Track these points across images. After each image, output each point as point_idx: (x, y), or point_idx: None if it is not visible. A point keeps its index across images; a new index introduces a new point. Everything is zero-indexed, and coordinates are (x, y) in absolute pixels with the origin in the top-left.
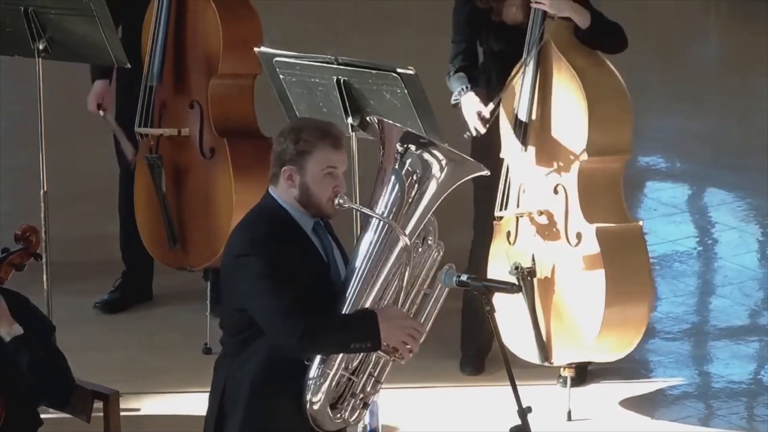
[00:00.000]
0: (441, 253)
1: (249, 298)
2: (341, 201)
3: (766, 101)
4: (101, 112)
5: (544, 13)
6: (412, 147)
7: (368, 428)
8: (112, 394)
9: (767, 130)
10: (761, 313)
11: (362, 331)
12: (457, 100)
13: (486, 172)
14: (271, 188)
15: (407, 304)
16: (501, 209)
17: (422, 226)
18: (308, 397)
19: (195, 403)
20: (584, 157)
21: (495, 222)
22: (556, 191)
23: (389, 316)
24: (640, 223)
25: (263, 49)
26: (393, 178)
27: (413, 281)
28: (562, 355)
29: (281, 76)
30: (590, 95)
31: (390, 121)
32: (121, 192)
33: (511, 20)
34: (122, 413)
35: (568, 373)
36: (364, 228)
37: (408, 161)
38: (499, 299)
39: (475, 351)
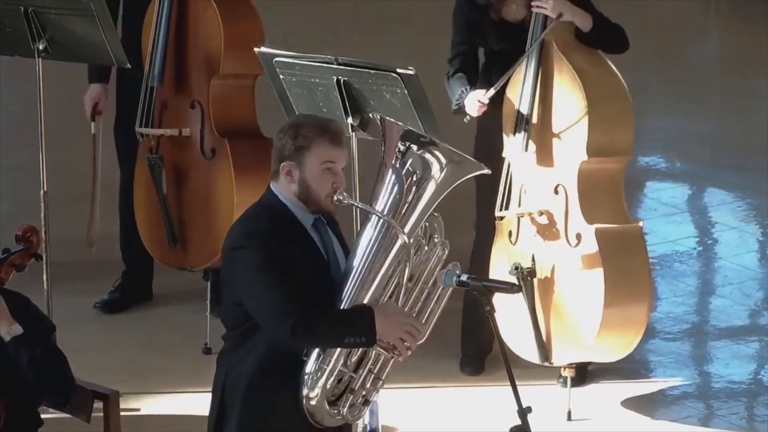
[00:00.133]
0: (446, 251)
1: (245, 290)
2: (340, 197)
3: (766, 101)
4: (93, 123)
5: (545, 17)
6: (414, 146)
7: (368, 428)
8: (112, 394)
9: (767, 130)
10: (761, 313)
11: (358, 326)
12: (458, 104)
13: (487, 171)
14: (272, 184)
15: (410, 302)
16: (502, 209)
17: (422, 223)
18: (304, 392)
19: (195, 403)
20: (584, 157)
21: (496, 222)
22: (556, 191)
23: (387, 313)
24: (640, 223)
25: (263, 49)
26: (393, 177)
27: (417, 279)
28: (562, 355)
29: (281, 76)
30: (590, 95)
31: (391, 119)
32: (122, 192)
33: (512, 17)
34: (122, 413)
35: (568, 373)
36: (364, 224)
37: (409, 161)
38: (499, 299)
39: (475, 351)
